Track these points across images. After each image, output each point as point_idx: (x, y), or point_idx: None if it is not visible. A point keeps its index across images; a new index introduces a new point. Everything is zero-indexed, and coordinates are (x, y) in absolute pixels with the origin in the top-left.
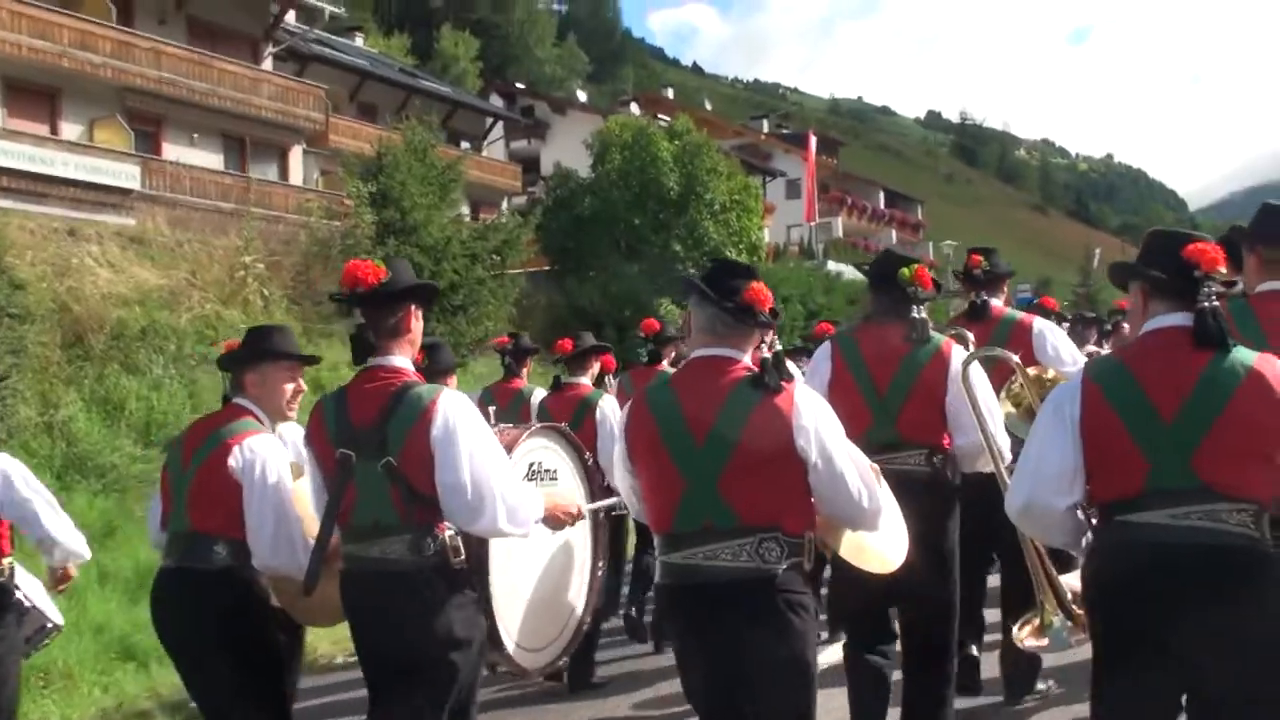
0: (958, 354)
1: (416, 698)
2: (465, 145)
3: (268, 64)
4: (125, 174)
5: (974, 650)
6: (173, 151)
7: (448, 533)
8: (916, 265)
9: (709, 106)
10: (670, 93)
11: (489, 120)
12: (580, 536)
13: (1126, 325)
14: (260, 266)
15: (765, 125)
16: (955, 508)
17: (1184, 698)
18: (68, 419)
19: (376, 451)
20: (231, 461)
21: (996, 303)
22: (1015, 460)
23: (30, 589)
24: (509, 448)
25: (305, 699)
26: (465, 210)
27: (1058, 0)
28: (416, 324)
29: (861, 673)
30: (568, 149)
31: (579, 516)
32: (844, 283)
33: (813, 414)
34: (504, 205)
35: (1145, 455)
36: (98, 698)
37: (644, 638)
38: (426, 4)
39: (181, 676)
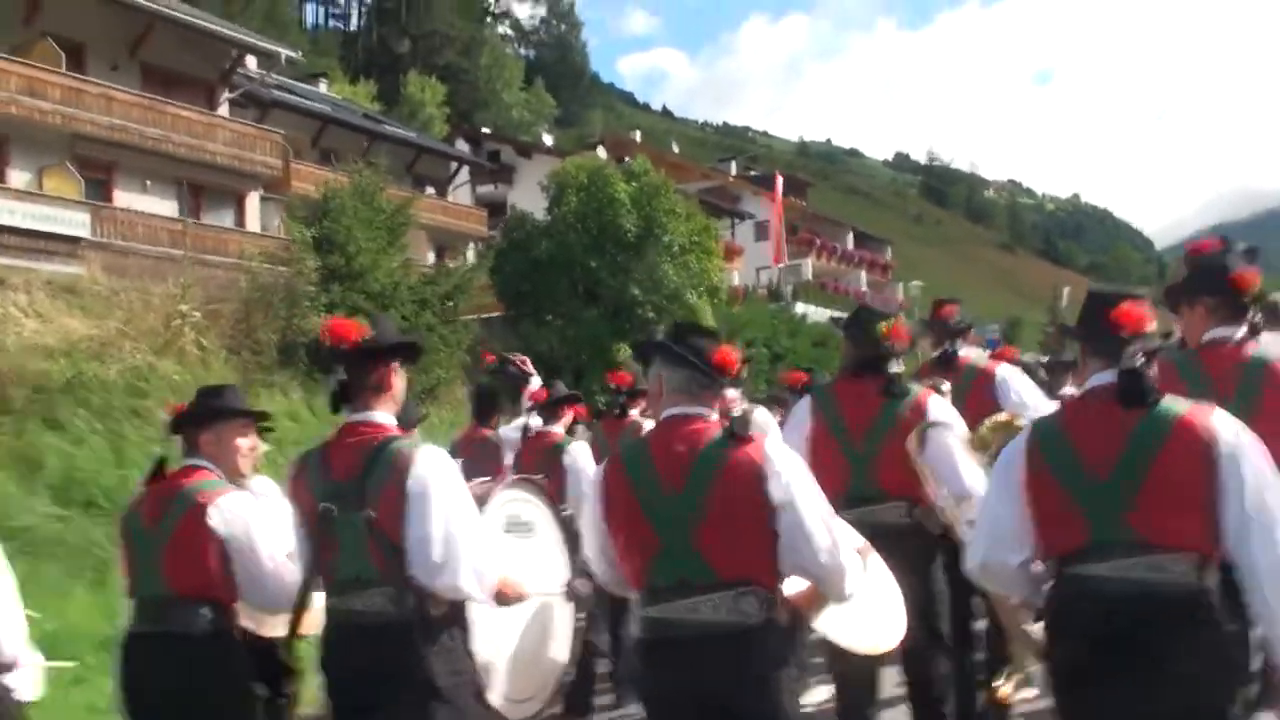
0: (934, 404)
1: None
2: (430, 190)
3: (224, 110)
4: (75, 221)
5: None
6: (125, 198)
7: (421, 585)
8: (892, 320)
9: (676, 149)
10: (638, 135)
11: (454, 165)
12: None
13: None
14: (197, 315)
15: (733, 167)
16: (938, 556)
17: None
18: None
19: (356, 505)
20: (211, 521)
21: (964, 352)
22: None
23: None
24: (482, 500)
25: None
26: (431, 255)
27: (1022, 42)
28: (399, 381)
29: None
30: (534, 193)
31: (521, 598)
32: (809, 325)
33: (784, 463)
34: (469, 250)
35: (1083, 512)
36: None
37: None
38: (393, 51)
39: None
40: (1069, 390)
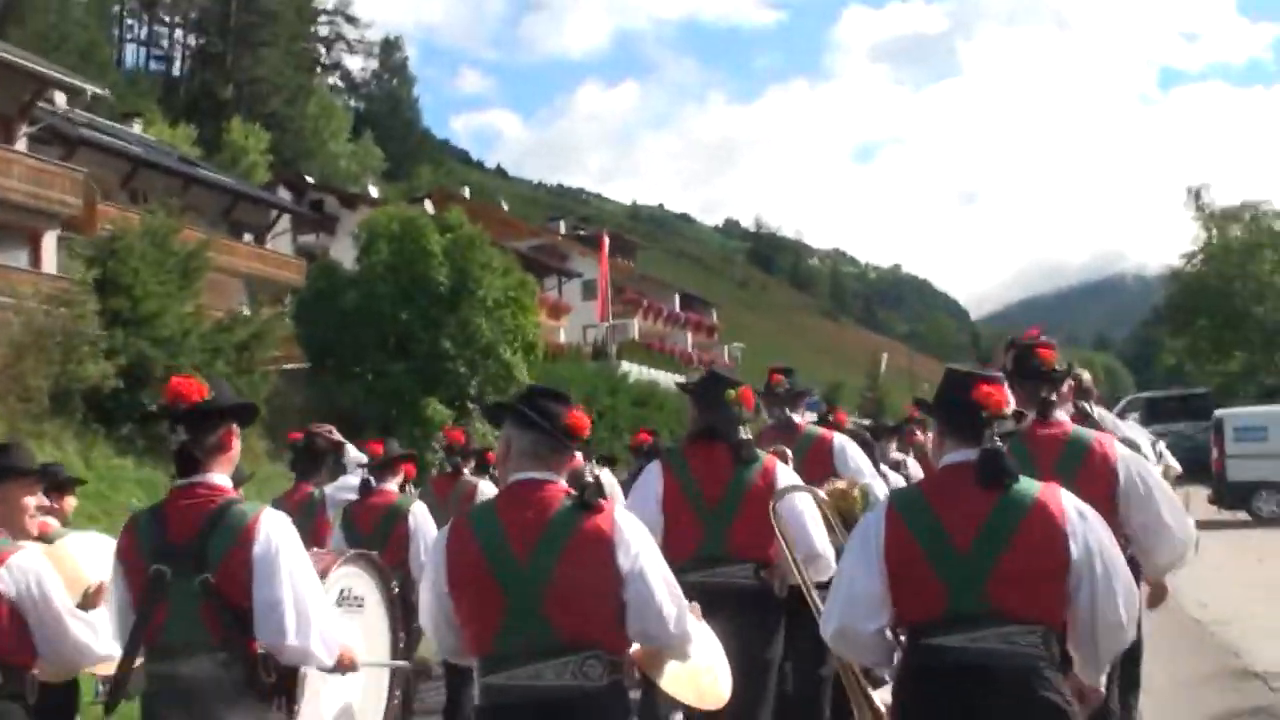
0: (782, 470)
1: None
2: (248, 238)
3: (22, 144)
4: None
5: None
6: None
7: (260, 651)
8: (741, 387)
9: (506, 206)
10: (466, 191)
11: (274, 213)
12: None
13: (918, 434)
14: None
15: (563, 226)
16: (780, 620)
17: None
18: None
19: (194, 568)
20: (1, 583)
21: (798, 418)
22: None
23: None
24: (323, 574)
25: None
26: (246, 306)
27: (846, 120)
28: (236, 442)
29: None
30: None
31: (352, 668)
32: (630, 384)
33: (631, 532)
34: (288, 300)
35: (943, 582)
36: None
37: None
38: (217, 96)
39: None
40: (894, 454)
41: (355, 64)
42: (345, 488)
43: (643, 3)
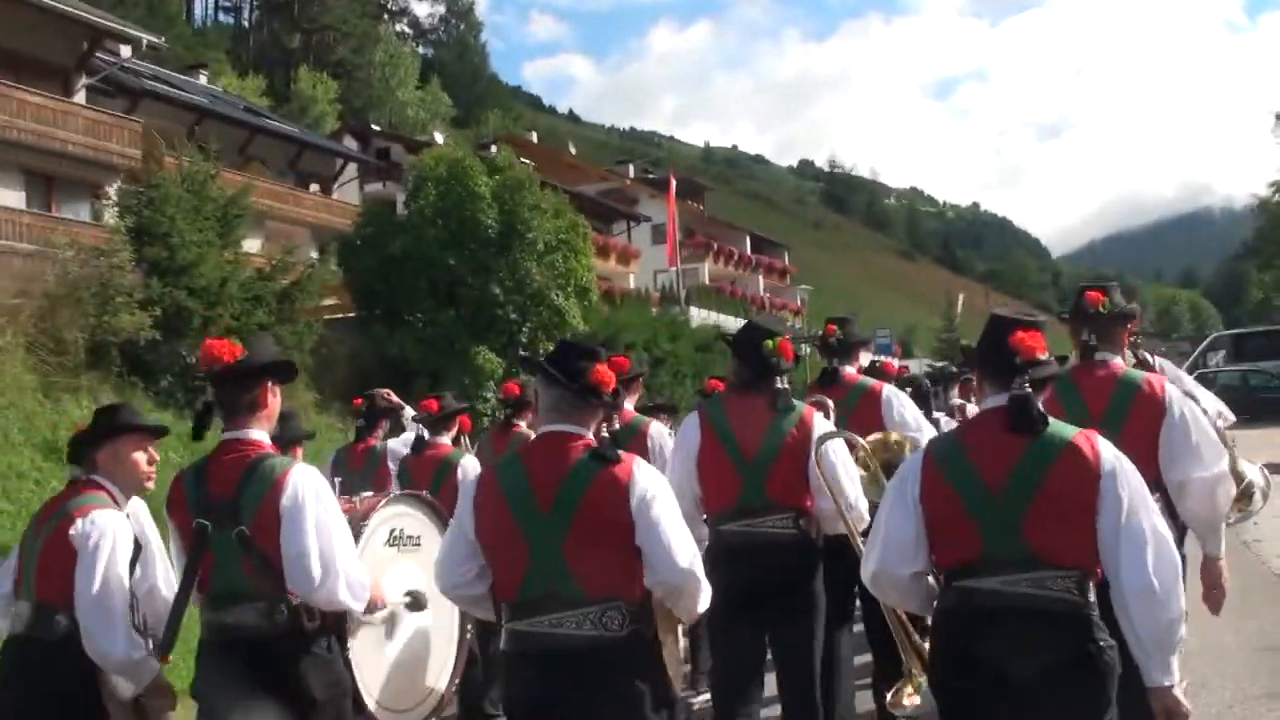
0: (819, 421)
1: None
2: (315, 187)
3: (81, 96)
4: None
5: None
6: None
7: (300, 599)
8: (779, 337)
9: (574, 150)
10: (535, 136)
11: (339, 162)
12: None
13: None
14: None
15: (631, 170)
16: (819, 567)
17: None
18: None
19: (230, 521)
20: (72, 531)
21: (849, 370)
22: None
23: None
24: (366, 514)
25: None
26: (314, 254)
27: (923, 56)
28: (273, 399)
29: None
30: None
31: (381, 607)
32: (693, 330)
33: (647, 481)
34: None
35: (978, 525)
36: None
37: None
38: (284, 46)
39: None
40: (955, 400)
41: (422, 10)
42: (406, 443)
43: None
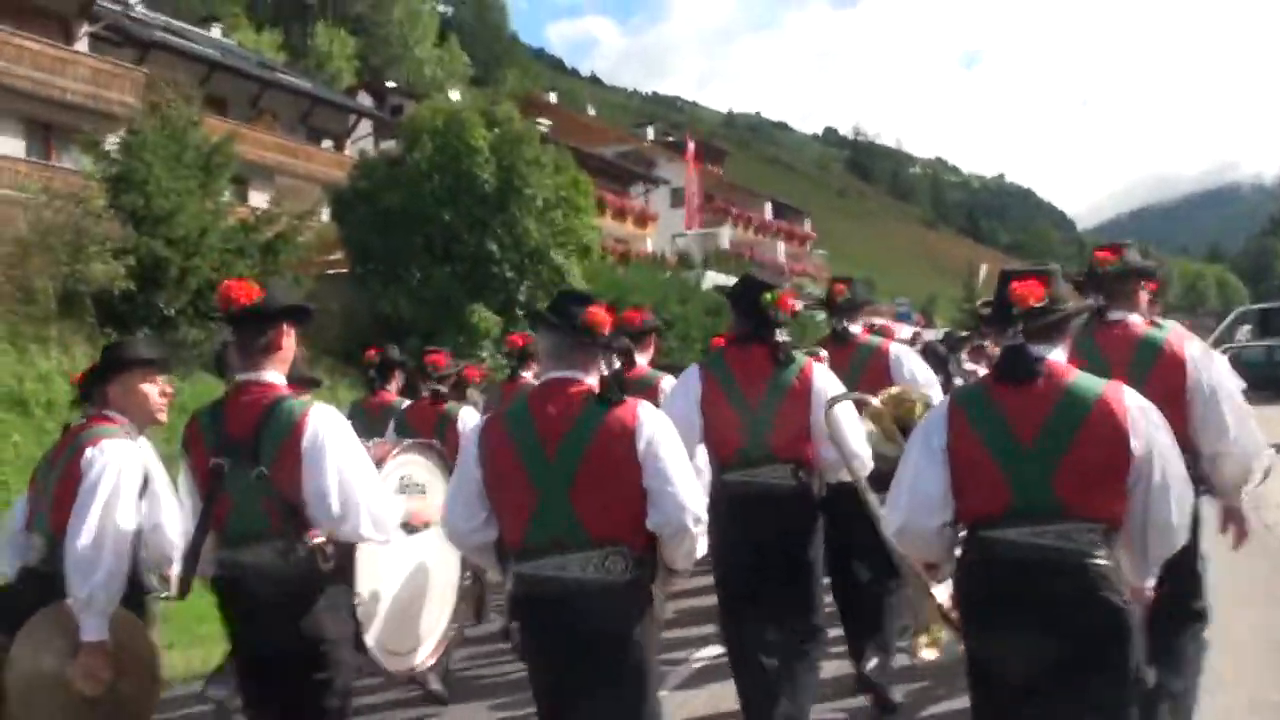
0: (819, 372)
1: (295, 694)
2: (327, 143)
3: (83, 45)
4: None
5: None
6: None
7: (317, 539)
8: (778, 291)
9: (593, 112)
10: (554, 97)
11: (353, 118)
12: (448, 547)
13: (988, 344)
14: None
15: (650, 133)
16: (819, 519)
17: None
18: None
19: (250, 461)
20: (82, 462)
21: (856, 329)
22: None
23: None
24: (380, 461)
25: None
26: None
27: (951, 25)
28: (289, 342)
29: (747, 671)
30: None
31: (428, 524)
32: (703, 293)
33: (653, 424)
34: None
35: (1007, 477)
36: None
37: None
38: (302, 1)
39: None
40: (967, 365)
41: None
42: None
43: None
